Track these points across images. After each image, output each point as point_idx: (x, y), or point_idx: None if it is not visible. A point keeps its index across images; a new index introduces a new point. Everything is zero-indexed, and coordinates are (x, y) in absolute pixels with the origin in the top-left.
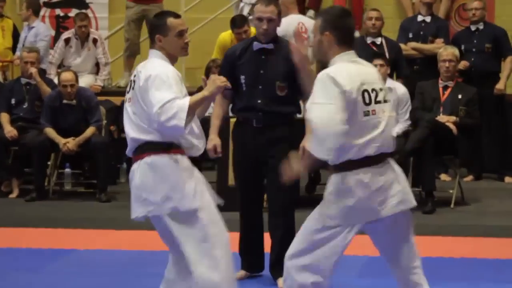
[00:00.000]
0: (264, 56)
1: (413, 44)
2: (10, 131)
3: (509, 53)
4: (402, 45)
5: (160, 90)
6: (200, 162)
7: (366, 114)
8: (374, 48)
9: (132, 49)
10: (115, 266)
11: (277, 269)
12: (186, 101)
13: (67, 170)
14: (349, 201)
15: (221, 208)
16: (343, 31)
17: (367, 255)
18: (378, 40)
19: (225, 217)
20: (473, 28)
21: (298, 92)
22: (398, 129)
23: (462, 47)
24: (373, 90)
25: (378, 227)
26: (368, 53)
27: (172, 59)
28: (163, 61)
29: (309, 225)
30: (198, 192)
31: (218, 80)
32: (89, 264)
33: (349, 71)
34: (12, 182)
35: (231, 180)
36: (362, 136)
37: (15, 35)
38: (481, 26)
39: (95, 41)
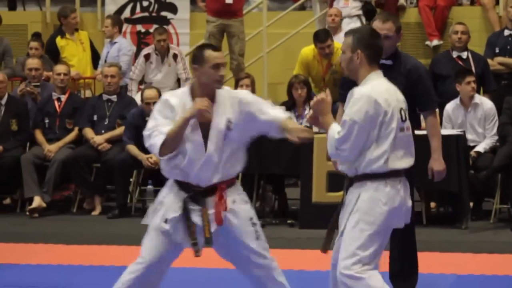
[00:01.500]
0: (384, 71)
1: (500, 58)
2: (101, 142)
3: None
4: (489, 60)
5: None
6: (283, 179)
7: (402, 130)
8: (460, 63)
9: None
10: (197, 283)
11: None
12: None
13: (150, 187)
14: (392, 205)
15: (305, 225)
16: (374, 51)
17: (454, 273)
18: (464, 54)
19: (308, 235)
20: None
21: (418, 106)
22: (485, 144)
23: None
24: (401, 109)
25: None
26: (453, 67)
27: (205, 90)
28: (180, 91)
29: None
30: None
31: (199, 103)
32: (174, 282)
33: (388, 90)
34: (95, 199)
35: (315, 197)
36: (397, 150)
37: (92, 50)
38: None
39: (175, 56)
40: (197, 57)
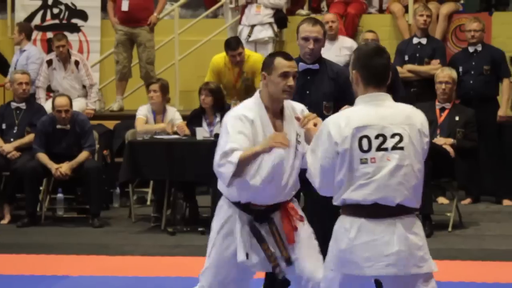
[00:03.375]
0: (310, 76)
1: (409, 66)
2: (10, 150)
3: (506, 76)
4: (398, 68)
5: (222, 136)
6: (194, 186)
7: (363, 161)
8: None
9: (122, 72)
10: None
11: None
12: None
13: (60, 195)
14: (338, 246)
15: None
16: (369, 71)
17: None
18: None
19: None
20: (471, 49)
21: None
22: None
23: (460, 69)
24: (378, 136)
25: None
26: None
27: (273, 100)
28: (251, 103)
29: None
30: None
31: (275, 141)
32: None
33: (351, 116)
34: (4, 208)
35: None
36: (354, 183)
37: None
38: (479, 48)
39: (76, 63)
40: (267, 64)
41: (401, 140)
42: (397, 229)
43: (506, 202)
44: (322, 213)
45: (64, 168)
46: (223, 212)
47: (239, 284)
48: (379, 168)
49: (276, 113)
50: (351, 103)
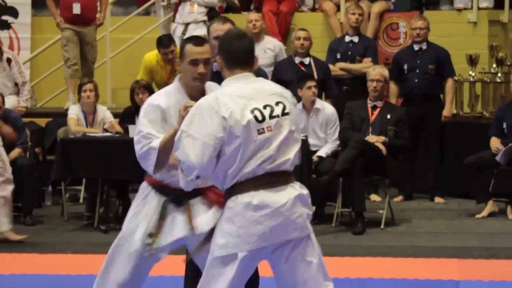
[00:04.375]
0: (218, 78)
1: (341, 64)
2: None
3: (450, 75)
4: (330, 66)
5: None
6: (127, 184)
7: (260, 132)
8: (303, 68)
9: (74, 69)
10: None
11: None
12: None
13: None
14: (237, 225)
15: None
16: (230, 54)
17: None
18: (307, 60)
19: None
20: (416, 47)
21: None
22: (327, 149)
23: (405, 67)
24: (265, 106)
25: (278, 258)
26: (296, 73)
27: (190, 86)
28: (170, 89)
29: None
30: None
31: (182, 110)
32: None
33: (232, 93)
34: None
35: None
36: (255, 155)
37: None
38: (424, 46)
39: (9, 60)
40: (181, 50)
41: (285, 107)
42: (296, 191)
43: (437, 199)
44: None
45: None
46: (140, 192)
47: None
48: (275, 134)
49: (195, 98)
50: None
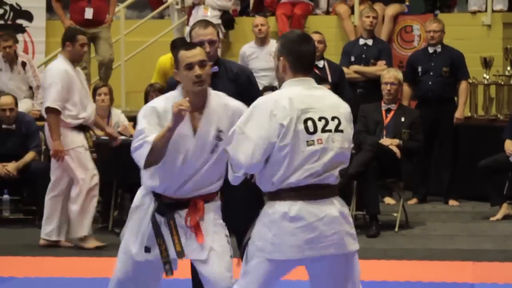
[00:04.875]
0: (211, 80)
1: (355, 67)
2: None
3: (464, 78)
4: (344, 69)
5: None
6: None
7: (310, 144)
8: (317, 71)
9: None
10: None
11: None
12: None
13: (6, 196)
14: (272, 233)
15: None
16: (297, 57)
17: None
18: (321, 63)
19: None
20: (430, 50)
21: None
22: None
23: (419, 69)
24: (321, 118)
25: (314, 270)
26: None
27: (191, 94)
28: (171, 95)
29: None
30: None
31: (175, 106)
32: None
33: (292, 98)
34: None
35: None
36: (302, 167)
37: None
38: (439, 49)
39: (23, 64)
40: (175, 61)
41: (340, 123)
42: (336, 208)
43: (451, 202)
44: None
45: (10, 167)
46: (136, 200)
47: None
48: (325, 149)
49: (197, 106)
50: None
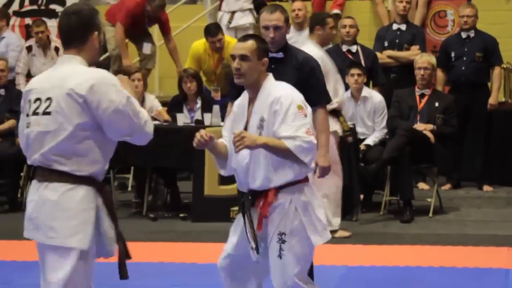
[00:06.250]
0: (274, 65)
1: (388, 52)
2: None
3: (497, 63)
4: (378, 54)
5: None
6: (175, 172)
7: (27, 126)
8: (350, 56)
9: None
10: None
11: None
12: None
13: None
14: None
15: (197, 218)
16: (59, 31)
17: (345, 265)
18: (354, 48)
19: (200, 228)
20: (464, 35)
21: (308, 101)
22: (375, 137)
23: (452, 54)
24: (36, 100)
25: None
26: (344, 61)
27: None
28: None
29: None
30: None
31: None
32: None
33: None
34: None
35: (207, 191)
36: (27, 148)
37: None
38: (472, 34)
39: (56, 49)
40: None
41: (50, 105)
42: (47, 193)
43: (486, 187)
44: None
45: None
46: None
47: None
48: (31, 133)
49: (252, 97)
50: (315, 92)
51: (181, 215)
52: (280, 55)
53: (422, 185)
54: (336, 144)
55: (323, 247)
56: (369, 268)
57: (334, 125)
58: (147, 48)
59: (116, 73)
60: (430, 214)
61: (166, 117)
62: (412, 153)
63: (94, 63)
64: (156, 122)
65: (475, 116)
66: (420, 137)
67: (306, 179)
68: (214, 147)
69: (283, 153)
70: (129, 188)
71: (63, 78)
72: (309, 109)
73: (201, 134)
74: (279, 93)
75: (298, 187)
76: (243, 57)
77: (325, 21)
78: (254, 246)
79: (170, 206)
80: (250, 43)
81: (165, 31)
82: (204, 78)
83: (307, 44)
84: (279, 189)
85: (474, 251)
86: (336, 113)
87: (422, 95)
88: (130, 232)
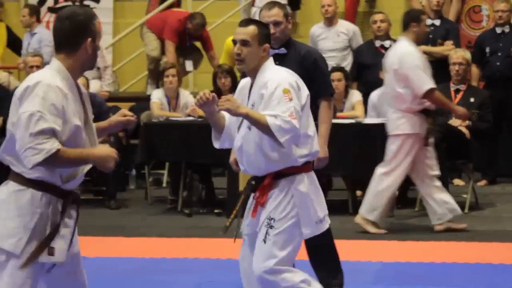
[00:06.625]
0: (278, 61)
1: (422, 47)
2: None
3: None
4: None
5: None
6: (210, 168)
7: None
8: (383, 51)
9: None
10: (125, 273)
11: None
12: None
13: None
14: None
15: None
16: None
17: (380, 261)
18: (387, 43)
19: (234, 224)
20: (498, 30)
21: (312, 93)
22: None
23: (487, 49)
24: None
25: None
26: (376, 56)
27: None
28: None
29: None
30: None
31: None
32: (99, 272)
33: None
34: None
35: (242, 186)
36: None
37: (11, 39)
38: (507, 29)
39: None
40: None
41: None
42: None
43: None
44: None
45: None
46: None
47: None
48: None
49: (253, 83)
50: (318, 84)
51: (216, 211)
52: (283, 50)
53: (457, 181)
54: (417, 146)
55: (358, 243)
56: (405, 264)
57: (418, 127)
58: (189, 65)
59: (151, 72)
60: (466, 210)
61: (201, 113)
62: (447, 149)
63: (88, 69)
64: (191, 118)
65: (510, 112)
66: (455, 133)
67: (307, 169)
68: (214, 113)
69: (262, 128)
70: (164, 184)
71: (27, 80)
72: (304, 92)
73: (204, 92)
74: (268, 77)
75: (299, 177)
76: (243, 42)
77: (420, 18)
78: (227, 224)
79: (205, 202)
80: (252, 28)
81: (208, 48)
82: (238, 74)
83: (401, 41)
84: (279, 177)
85: (510, 247)
86: (427, 113)
87: (457, 91)
88: (165, 228)
